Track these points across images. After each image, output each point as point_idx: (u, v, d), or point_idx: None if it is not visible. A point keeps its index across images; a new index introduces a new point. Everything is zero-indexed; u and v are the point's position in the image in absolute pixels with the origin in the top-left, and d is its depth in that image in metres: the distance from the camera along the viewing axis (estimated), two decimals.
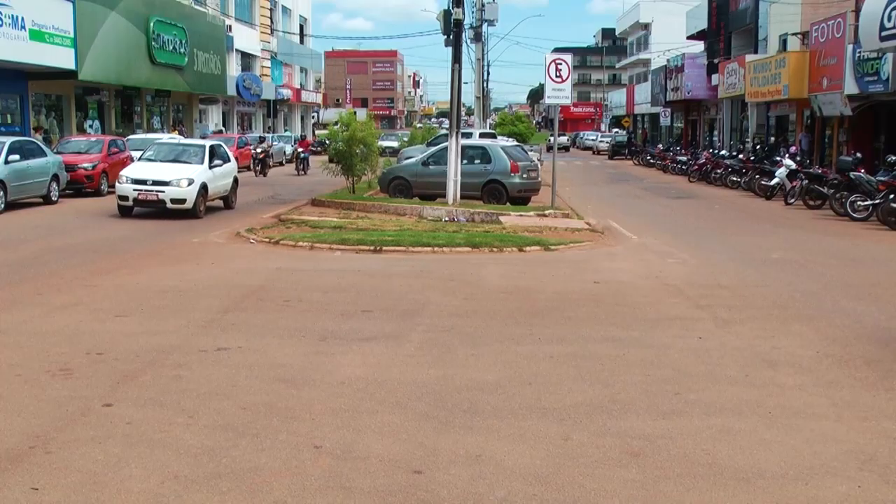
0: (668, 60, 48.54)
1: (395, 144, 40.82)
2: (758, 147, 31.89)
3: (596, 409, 5.68)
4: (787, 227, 17.77)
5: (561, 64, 19.76)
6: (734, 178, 28.62)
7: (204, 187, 17.88)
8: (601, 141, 63.84)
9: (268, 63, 54.22)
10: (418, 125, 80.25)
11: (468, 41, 35.08)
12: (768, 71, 30.94)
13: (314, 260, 12.46)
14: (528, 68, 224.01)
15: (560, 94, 19.99)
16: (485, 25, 37.08)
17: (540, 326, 8.10)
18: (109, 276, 10.73)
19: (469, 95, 46.49)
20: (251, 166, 33.04)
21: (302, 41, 63.79)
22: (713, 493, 4.37)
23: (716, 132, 43.89)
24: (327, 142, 30.39)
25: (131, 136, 29.01)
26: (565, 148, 66.87)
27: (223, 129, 45.36)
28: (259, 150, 33.11)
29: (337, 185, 24.00)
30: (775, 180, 23.92)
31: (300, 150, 35.58)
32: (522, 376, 6.42)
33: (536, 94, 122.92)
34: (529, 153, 27.40)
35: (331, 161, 22.74)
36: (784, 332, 8.03)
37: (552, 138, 22.36)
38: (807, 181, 22.26)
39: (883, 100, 24.13)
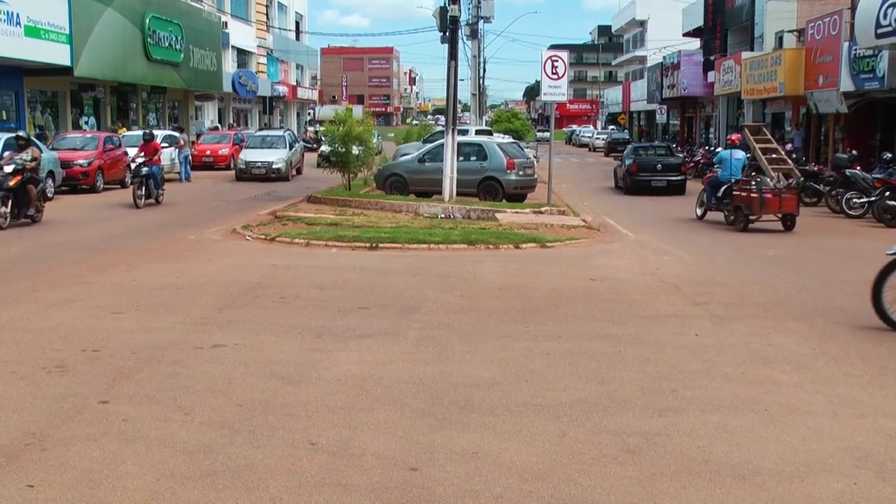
0: (664, 57, 48.51)
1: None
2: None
3: (592, 406, 5.68)
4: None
5: (557, 61, 19.76)
6: None
7: None
8: (597, 138, 63.79)
9: (264, 60, 54.14)
10: (414, 122, 80.00)
11: (464, 38, 35.02)
12: (764, 68, 30.94)
13: (310, 257, 12.45)
14: (524, 65, 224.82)
15: (556, 91, 19.99)
16: (481, 22, 37.02)
17: (536, 323, 8.10)
18: (105, 272, 10.71)
19: (465, 92, 46.43)
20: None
21: (298, 38, 63.69)
22: (709, 490, 4.38)
23: (712, 129, 43.91)
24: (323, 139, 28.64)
25: (127, 133, 28.96)
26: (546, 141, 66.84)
27: (219, 125, 45.27)
28: (9, 169, 15.55)
29: (333, 181, 23.98)
30: None
31: (141, 160, 19.79)
32: (519, 373, 6.42)
33: (532, 91, 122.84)
34: (525, 150, 27.42)
35: (320, 165, 22.72)
36: (780, 329, 8.03)
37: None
38: (802, 178, 22.29)
39: (879, 97, 24.15)
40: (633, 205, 22.62)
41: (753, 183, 16.33)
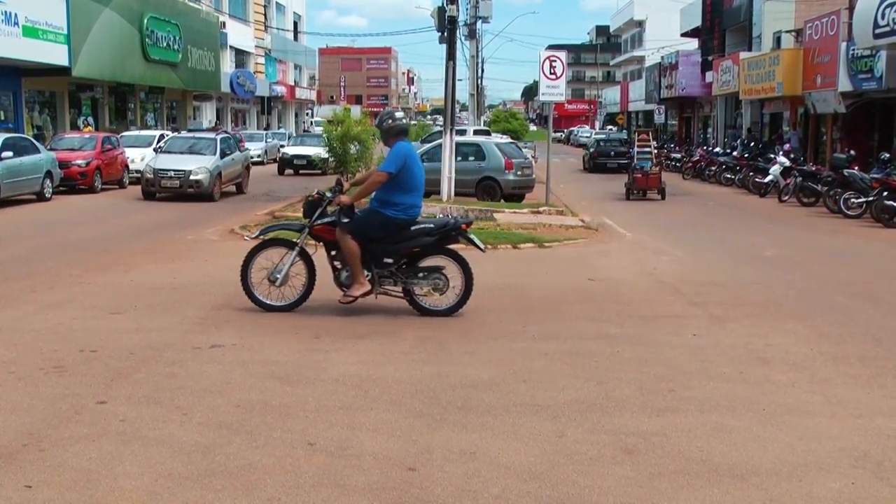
0: (662, 58, 48.53)
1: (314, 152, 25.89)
2: (752, 144, 31.97)
3: (590, 406, 5.68)
4: (780, 225, 17.81)
5: (555, 61, 19.76)
6: (728, 176, 28.66)
7: None
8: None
9: (262, 60, 54.12)
10: (412, 122, 79.76)
11: (462, 38, 34.94)
12: (762, 68, 30.97)
13: None
14: (522, 65, 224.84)
15: (554, 91, 20.00)
16: (479, 22, 36.93)
17: (534, 323, 8.10)
18: (103, 273, 10.70)
19: (463, 92, 46.41)
20: None
21: (296, 38, 63.67)
22: (707, 489, 4.38)
23: (710, 129, 43.94)
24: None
25: (125, 133, 28.94)
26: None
27: (217, 125, 45.24)
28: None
29: (332, 182, 23.93)
30: (769, 178, 24.00)
31: None
32: (516, 373, 6.42)
33: (531, 91, 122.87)
34: (524, 150, 27.44)
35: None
36: (778, 329, 8.04)
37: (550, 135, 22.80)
38: (801, 179, 22.31)
39: (876, 97, 24.17)
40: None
41: (638, 167, 23.51)
